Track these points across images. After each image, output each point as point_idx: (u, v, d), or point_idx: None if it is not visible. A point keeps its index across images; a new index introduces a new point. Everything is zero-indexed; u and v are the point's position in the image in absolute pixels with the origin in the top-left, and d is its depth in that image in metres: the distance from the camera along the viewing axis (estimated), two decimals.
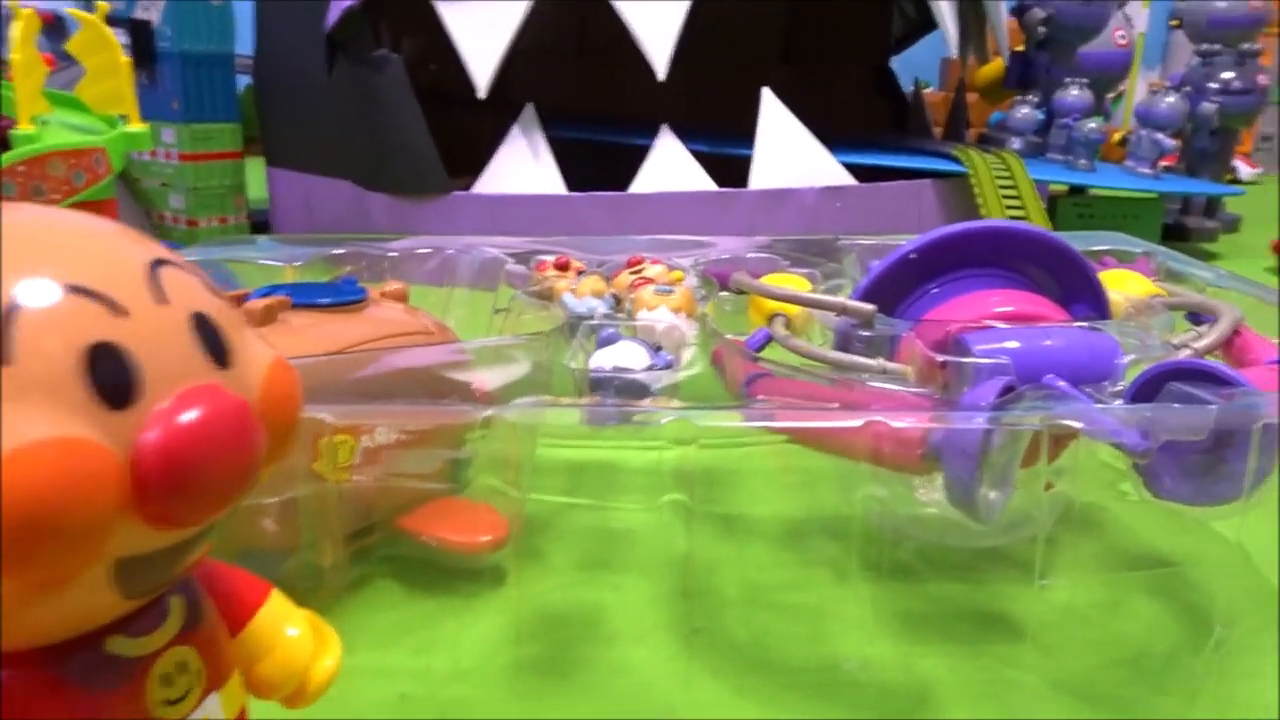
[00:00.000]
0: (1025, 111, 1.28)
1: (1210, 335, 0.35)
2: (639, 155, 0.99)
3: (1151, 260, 0.47)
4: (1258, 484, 0.27)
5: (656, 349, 0.36)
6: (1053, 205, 1.24)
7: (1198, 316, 0.40)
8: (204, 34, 1.04)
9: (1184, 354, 0.33)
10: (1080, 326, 0.33)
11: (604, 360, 0.34)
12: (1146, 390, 0.29)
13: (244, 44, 1.16)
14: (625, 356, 0.34)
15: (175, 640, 0.18)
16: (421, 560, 0.38)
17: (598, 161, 1.01)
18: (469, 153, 1.01)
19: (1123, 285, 0.41)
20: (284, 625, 0.21)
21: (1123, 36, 1.34)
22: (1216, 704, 0.33)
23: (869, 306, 0.35)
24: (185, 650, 0.18)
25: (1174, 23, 1.97)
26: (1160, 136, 1.19)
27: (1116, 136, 1.58)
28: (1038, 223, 0.99)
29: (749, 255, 0.50)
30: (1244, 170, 1.95)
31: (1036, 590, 0.35)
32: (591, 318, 0.40)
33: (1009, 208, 0.99)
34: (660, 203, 0.96)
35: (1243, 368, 0.34)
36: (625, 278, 0.45)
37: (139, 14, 1.02)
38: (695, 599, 0.37)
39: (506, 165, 0.99)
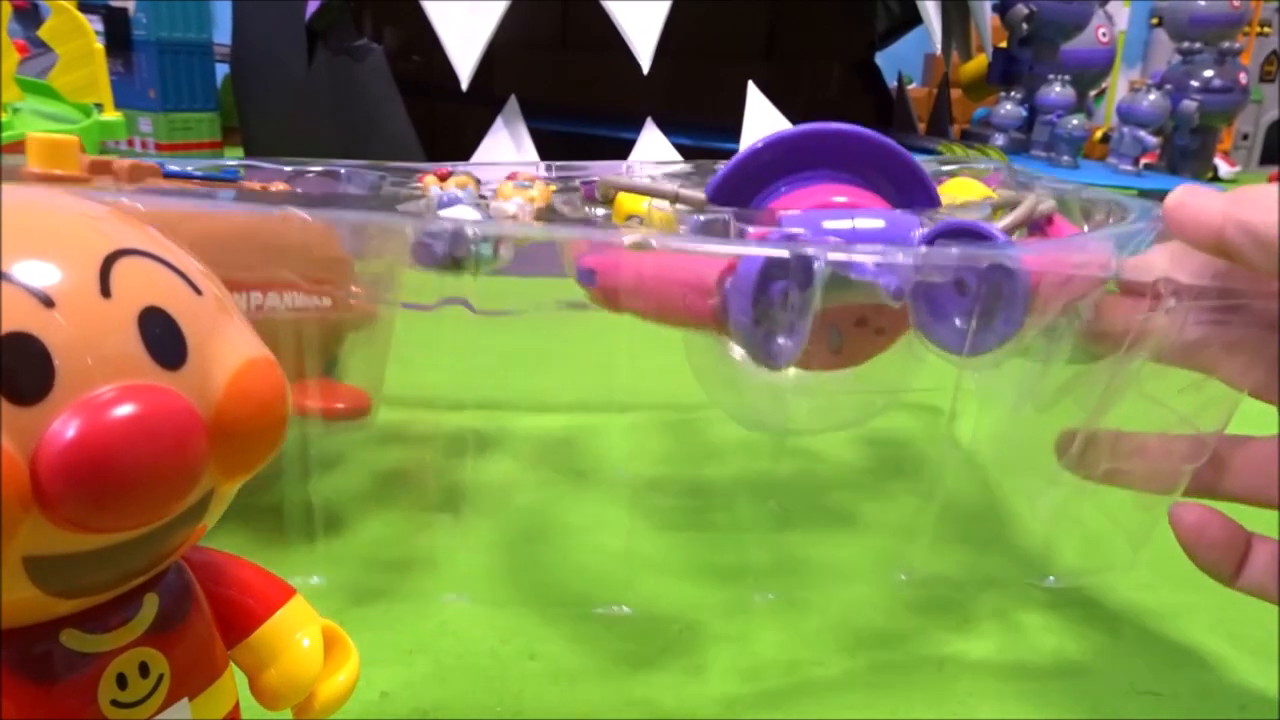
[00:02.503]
0: (1009, 108, 1.28)
1: (1010, 216, 0.37)
2: (623, 148, 0.98)
3: (1002, 173, 0.49)
4: (1005, 335, 0.29)
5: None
6: None
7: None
8: (181, 21, 1.02)
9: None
10: (888, 210, 0.36)
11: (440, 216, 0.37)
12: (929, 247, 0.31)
13: (223, 33, 1.15)
14: (459, 214, 0.37)
15: (140, 640, 0.17)
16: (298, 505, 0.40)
17: (581, 154, 1.00)
18: (452, 145, 1.00)
19: (959, 191, 0.44)
20: (296, 633, 0.20)
21: (1105, 34, 1.34)
22: (998, 633, 0.36)
23: (700, 195, 0.38)
24: (150, 652, 0.17)
25: (1155, 21, 1.98)
26: (1142, 134, 1.20)
27: (1099, 134, 1.59)
28: None
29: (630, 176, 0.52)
30: (1223, 168, 1.97)
31: (862, 540, 0.42)
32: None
33: None
34: None
35: None
36: (505, 186, 0.46)
37: (114, 0, 1.00)
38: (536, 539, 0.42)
39: (489, 158, 0.98)
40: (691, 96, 1.26)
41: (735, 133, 1.00)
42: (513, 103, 0.99)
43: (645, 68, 0.93)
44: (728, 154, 1.10)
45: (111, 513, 0.14)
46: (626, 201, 0.42)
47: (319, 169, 0.54)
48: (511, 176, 0.47)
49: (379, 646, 0.34)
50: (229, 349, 0.16)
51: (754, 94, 1.01)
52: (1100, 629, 0.36)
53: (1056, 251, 0.30)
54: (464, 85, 0.93)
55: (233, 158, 0.53)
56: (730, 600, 0.38)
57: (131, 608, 0.17)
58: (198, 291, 0.17)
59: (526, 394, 0.55)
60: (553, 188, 0.44)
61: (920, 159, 0.44)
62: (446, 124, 1.10)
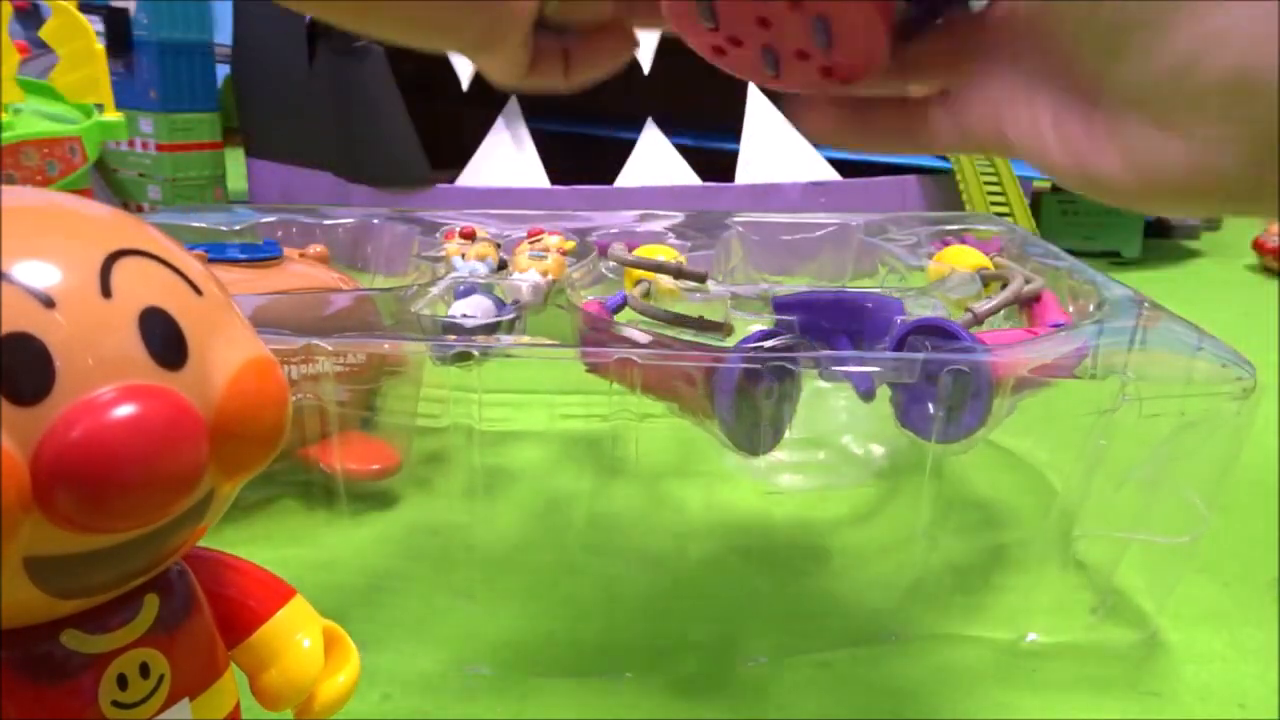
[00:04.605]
0: None
1: (992, 300, 0.40)
2: (623, 149, 0.98)
3: (1003, 240, 0.51)
4: (972, 427, 0.31)
5: (514, 303, 0.41)
6: (1036, 201, 1.24)
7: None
8: (182, 22, 1.02)
9: (965, 316, 0.38)
10: (876, 291, 0.38)
11: (456, 309, 0.40)
12: (902, 342, 0.33)
13: (224, 33, 1.15)
14: (473, 307, 0.39)
15: (141, 641, 0.17)
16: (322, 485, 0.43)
17: (582, 155, 1.00)
18: (452, 145, 1.00)
19: (956, 259, 0.46)
20: (296, 634, 0.20)
21: None
22: (966, 616, 0.37)
23: (700, 270, 0.41)
24: (150, 652, 0.17)
25: None
26: None
27: None
28: (1021, 218, 0.99)
29: (639, 229, 0.54)
30: None
31: (853, 528, 0.43)
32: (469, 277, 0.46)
33: (993, 204, 0.99)
34: (644, 197, 0.96)
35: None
36: (523, 247, 0.48)
37: (115, 1, 1.00)
38: (552, 525, 0.44)
39: (490, 158, 0.98)
40: (691, 96, 1.26)
41: (735, 133, 1.00)
42: (513, 103, 0.99)
43: (645, 68, 0.93)
44: (728, 154, 1.10)
45: (112, 513, 0.14)
46: (635, 268, 0.46)
47: (352, 220, 0.56)
48: (531, 234, 0.48)
49: (384, 642, 0.34)
50: (230, 349, 0.16)
51: (754, 94, 1.01)
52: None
53: (1022, 352, 0.31)
54: (464, 85, 0.93)
55: (264, 207, 0.58)
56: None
57: (132, 608, 0.17)
58: (198, 292, 0.17)
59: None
60: (570, 245, 0.46)
61: (924, 217, 0.47)
62: (446, 124, 1.10)
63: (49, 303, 0.14)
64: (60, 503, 0.14)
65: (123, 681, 0.17)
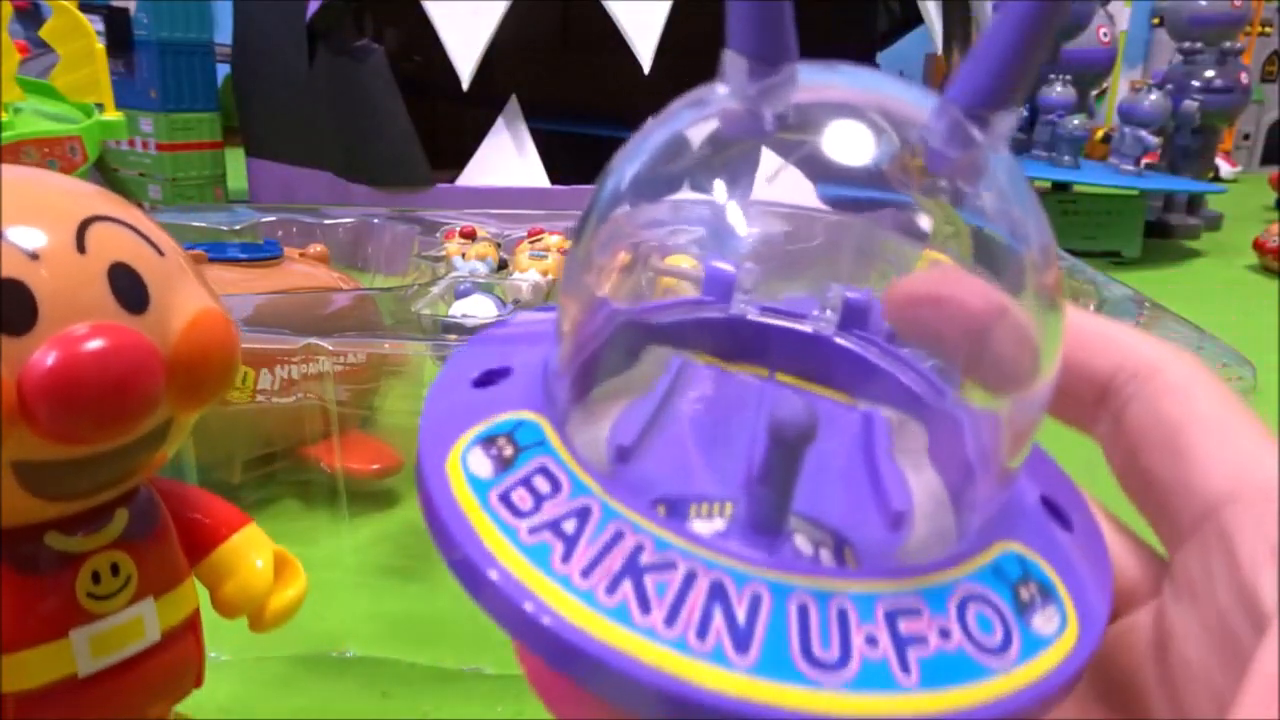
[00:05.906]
0: None
1: None
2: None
3: None
4: None
5: (514, 302, 0.41)
6: None
7: None
8: (182, 22, 1.02)
9: None
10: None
11: (457, 309, 0.40)
12: None
13: (224, 33, 1.15)
14: (474, 306, 0.40)
15: (112, 545, 0.20)
16: (322, 485, 0.44)
17: (582, 154, 1.00)
18: (452, 145, 1.00)
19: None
20: (250, 555, 0.23)
21: (1106, 34, 1.34)
22: None
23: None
24: (120, 555, 0.20)
25: (1156, 21, 1.98)
26: (1143, 134, 1.20)
27: (1100, 134, 1.59)
28: None
29: None
30: (1225, 168, 1.97)
31: None
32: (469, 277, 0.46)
33: None
34: None
35: None
36: (523, 247, 0.48)
37: (115, 1, 1.00)
38: None
39: (490, 158, 0.98)
40: None
41: None
42: (513, 103, 0.99)
43: (645, 68, 0.93)
44: None
45: (83, 426, 0.18)
46: None
47: (351, 220, 0.56)
48: (531, 234, 0.49)
49: (384, 641, 0.34)
50: (185, 300, 0.20)
51: None
52: None
53: None
54: (464, 85, 0.93)
55: (264, 207, 0.58)
56: None
57: (105, 518, 0.20)
58: (160, 253, 0.20)
59: None
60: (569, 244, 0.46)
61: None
62: (447, 124, 1.10)
63: (34, 256, 0.18)
64: (41, 416, 0.17)
65: (96, 577, 0.20)
